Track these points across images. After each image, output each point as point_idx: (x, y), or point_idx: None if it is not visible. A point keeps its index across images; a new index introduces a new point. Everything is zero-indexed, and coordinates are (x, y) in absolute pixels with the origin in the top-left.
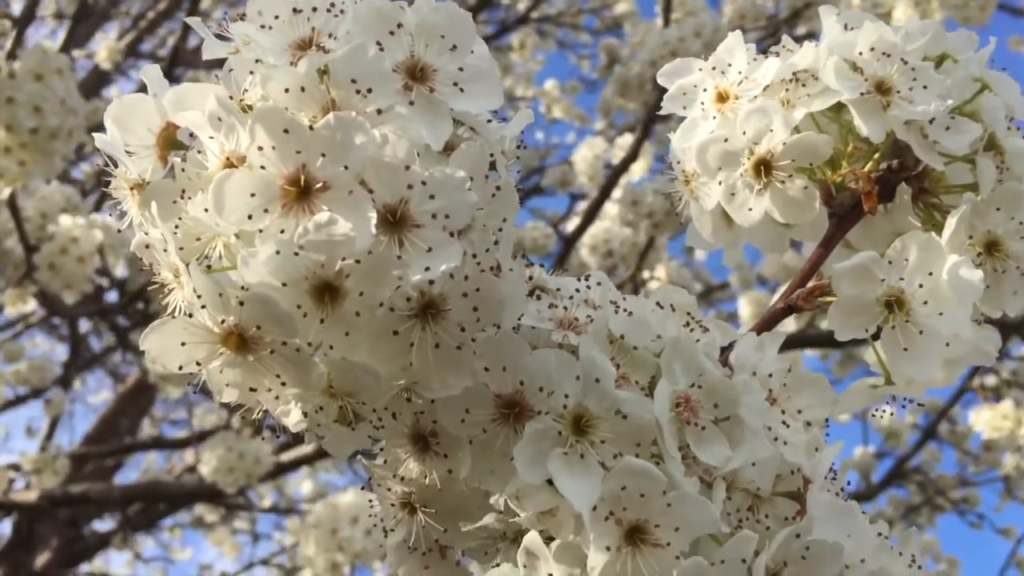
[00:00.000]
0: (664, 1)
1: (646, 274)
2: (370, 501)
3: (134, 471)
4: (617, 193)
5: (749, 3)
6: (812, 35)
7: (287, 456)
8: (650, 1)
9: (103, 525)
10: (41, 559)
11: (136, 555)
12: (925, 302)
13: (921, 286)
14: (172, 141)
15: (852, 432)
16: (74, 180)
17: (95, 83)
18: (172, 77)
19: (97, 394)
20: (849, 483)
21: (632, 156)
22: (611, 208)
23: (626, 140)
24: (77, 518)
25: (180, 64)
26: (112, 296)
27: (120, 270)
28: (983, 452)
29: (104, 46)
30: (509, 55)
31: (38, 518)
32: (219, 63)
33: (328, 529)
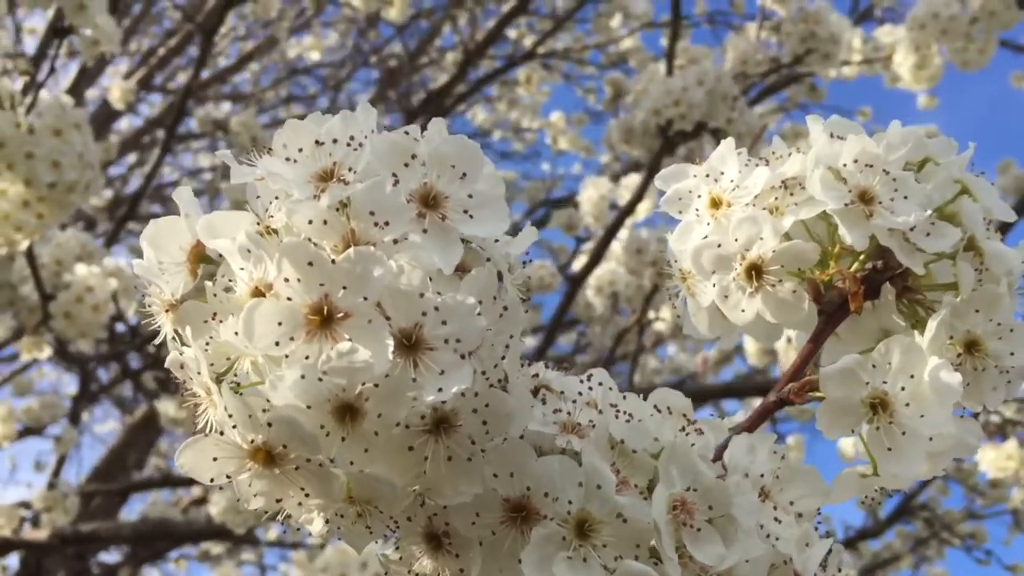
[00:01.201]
0: (667, 49)
1: (652, 315)
2: None
3: (141, 502)
4: (623, 234)
5: (751, 49)
6: (812, 75)
7: None
8: (655, 36)
9: (109, 557)
10: None
11: None
12: (908, 404)
13: (904, 388)
14: (202, 256)
15: None
16: (85, 215)
17: (105, 118)
18: (184, 112)
19: (104, 424)
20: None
21: (638, 198)
22: (617, 249)
23: (631, 180)
24: (84, 552)
25: (191, 98)
26: (121, 327)
27: (133, 312)
28: (990, 488)
29: (116, 86)
30: (516, 89)
31: (46, 554)
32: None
33: (337, 574)
